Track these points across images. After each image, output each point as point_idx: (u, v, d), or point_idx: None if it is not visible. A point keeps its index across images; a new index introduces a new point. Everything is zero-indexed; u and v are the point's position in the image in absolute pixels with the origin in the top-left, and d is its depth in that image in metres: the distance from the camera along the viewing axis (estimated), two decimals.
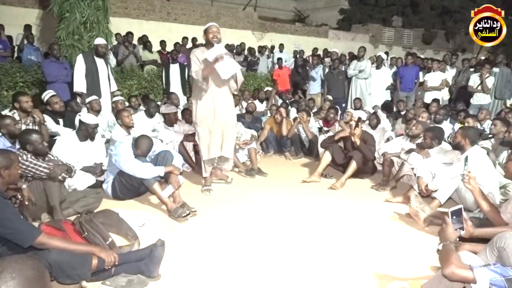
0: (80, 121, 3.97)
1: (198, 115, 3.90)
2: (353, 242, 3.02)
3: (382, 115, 5.52)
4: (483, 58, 9.35)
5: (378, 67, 8.10)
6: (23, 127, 4.12)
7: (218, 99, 3.81)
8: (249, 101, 6.81)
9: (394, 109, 7.03)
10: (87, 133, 3.95)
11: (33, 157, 3.09)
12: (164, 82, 7.23)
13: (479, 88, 7.22)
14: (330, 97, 7.61)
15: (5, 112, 4.20)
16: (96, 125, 4.04)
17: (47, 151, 3.29)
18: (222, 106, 3.82)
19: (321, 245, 2.96)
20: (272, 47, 11.21)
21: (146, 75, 7.76)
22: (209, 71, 3.68)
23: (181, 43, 9.29)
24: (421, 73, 8.12)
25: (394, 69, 8.59)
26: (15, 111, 4.18)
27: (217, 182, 4.33)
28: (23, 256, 1.30)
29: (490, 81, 7.19)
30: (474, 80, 7.34)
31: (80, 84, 5.42)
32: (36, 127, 4.27)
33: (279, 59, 9.40)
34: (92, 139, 4.06)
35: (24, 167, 3.01)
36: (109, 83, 5.72)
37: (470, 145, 3.52)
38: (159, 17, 12.11)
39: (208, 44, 3.75)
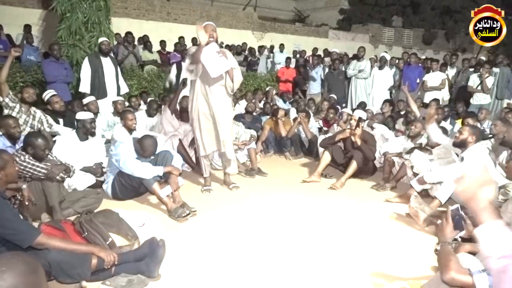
0: (76, 119, 4.01)
1: (193, 113, 3.92)
2: (353, 242, 3.02)
3: (382, 128, 5.46)
4: (483, 58, 9.32)
5: (381, 68, 8.08)
6: (23, 116, 4.25)
7: (212, 98, 3.79)
8: (253, 101, 6.81)
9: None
10: (85, 129, 3.98)
11: (31, 157, 3.09)
12: (175, 80, 7.16)
13: (479, 88, 7.22)
14: (334, 96, 7.58)
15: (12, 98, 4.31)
16: (93, 120, 4.07)
17: (45, 158, 3.28)
18: (216, 106, 3.80)
19: (321, 245, 2.96)
20: (272, 47, 11.21)
21: (146, 75, 7.76)
22: (197, 56, 3.62)
23: (179, 43, 9.29)
24: None
25: (394, 69, 8.57)
26: (18, 101, 4.31)
27: (217, 182, 4.34)
28: (13, 252, 1.30)
29: (490, 81, 7.19)
30: (473, 80, 7.33)
31: (85, 85, 5.53)
32: (36, 122, 4.30)
33: (288, 58, 9.41)
34: (93, 134, 4.08)
35: (22, 167, 3.01)
36: (117, 84, 5.76)
37: (474, 143, 3.50)
38: (159, 17, 12.11)
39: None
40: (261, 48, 10.83)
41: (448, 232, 1.89)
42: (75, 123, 4.09)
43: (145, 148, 3.61)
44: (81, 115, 4.02)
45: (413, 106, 5.62)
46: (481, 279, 1.59)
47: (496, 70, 7.42)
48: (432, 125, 4.08)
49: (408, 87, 7.53)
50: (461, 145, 3.55)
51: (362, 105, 7.08)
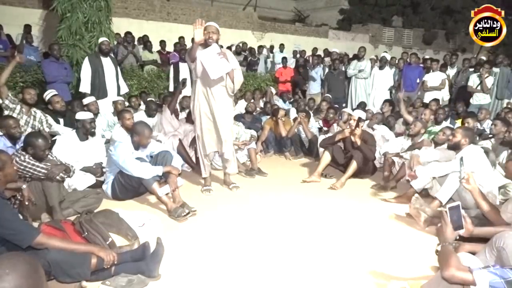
0: (76, 119, 4.01)
1: (195, 113, 3.93)
2: (353, 242, 3.02)
3: (382, 129, 5.45)
4: (484, 58, 9.32)
5: (381, 68, 8.08)
6: (24, 117, 4.23)
7: (214, 98, 3.80)
8: (252, 100, 6.81)
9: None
10: (85, 129, 3.98)
11: (31, 157, 3.09)
12: (173, 81, 7.16)
13: (479, 88, 7.22)
14: (329, 96, 7.58)
15: (12, 99, 4.28)
16: (92, 119, 4.07)
17: (45, 158, 3.28)
18: (217, 106, 3.81)
19: (321, 245, 2.96)
20: (271, 47, 11.20)
21: (146, 75, 7.76)
22: (192, 54, 3.67)
23: (179, 43, 9.30)
24: None
25: (394, 69, 8.58)
26: (19, 102, 4.29)
27: (217, 182, 4.34)
28: (15, 252, 1.31)
29: (489, 81, 7.18)
30: (473, 80, 7.34)
31: (85, 85, 5.54)
32: (36, 123, 4.29)
33: (284, 58, 9.39)
34: (93, 134, 4.09)
35: (22, 167, 3.01)
36: (118, 84, 5.78)
37: (467, 144, 3.52)
38: (159, 17, 12.11)
39: (204, 44, 3.75)
40: (260, 48, 10.81)
41: (448, 233, 1.90)
42: (75, 123, 4.09)
43: (139, 132, 3.59)
44: (81, 115, 4.02)
45: (405, 114, 5.61)
46: (481, 276, 1.60)
47: (496, 70, 7.41)
48: (421, 154, 4.08)
49: (405, 87, 7.57)
50: (455, 147, 3.58)
51: (362, 106, 7.09)
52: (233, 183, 4.24)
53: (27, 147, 3.12)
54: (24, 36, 8.03)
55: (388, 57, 8.33)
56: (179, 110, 6.27)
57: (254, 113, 6.37)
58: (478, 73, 7.29)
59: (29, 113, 4.32)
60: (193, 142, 4.77)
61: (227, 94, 3.86)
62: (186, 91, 5.89)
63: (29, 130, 4.18)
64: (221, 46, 3.93)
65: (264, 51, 10.77)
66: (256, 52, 10.45)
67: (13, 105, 4.24)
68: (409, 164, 4.12)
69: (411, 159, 3.91)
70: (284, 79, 8.97)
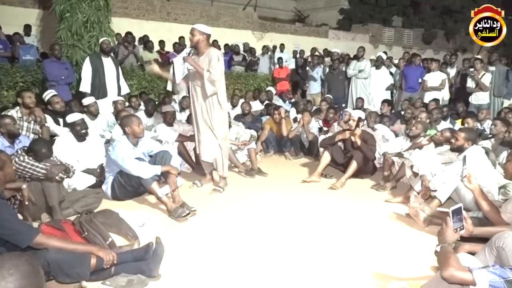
0: (68, 123, 3.92)
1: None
2: (353, 242, 3.02)
3: (383, 128, 5.43)
4: (478, 57, 9.33)
5: (377, 67, 8.09)
6: (25, 124, 4.15)
7: (197, 101, 3.94)
8: (249, 101, 6.80)
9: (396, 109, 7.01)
10: (76, 132, 3.86)
11: (30, 157, 3.09)
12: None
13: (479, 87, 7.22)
14: (330, 96, 7.57)
15: (11, 112, 4.19)
16: (82, 120, 3.93)
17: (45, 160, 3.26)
18: (200, 108, 3.94)
19: (321, 245, 2.96)
20: (274, 47, 11.19)
21: (146, 75, 7.77)
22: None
23: (178, 43, 9.30)
24: None
25: (393, 69, 8.58)
26: (18, 107, 4.22)
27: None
28: (16, 253, 1.34)
29: (487, 79, 7.15)
30: (471, 81, 7.34)
31: (85, 85, 5.54)
32: (37, 127, 4.28)
33: (279, 58, 9.39)
34: (86, 135, 3.95)
35: (22, 167, 3.00)
36: (118, 84, 5.78)
37: (470, 145, 3.53)
38: (159, 17, 12.11)
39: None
40: (264, 48, 10.76)
41: (449, 235, 1.90)
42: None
43: (128, 124, 3.59)
44: (70, 118, 3.90)
45: None
46: (481, 275, 1.60)
47: (492, 68, 7.41)
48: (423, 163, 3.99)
49: (407, 88, 7.55)
50: (458, 150, 3.60)
51: (360, 101, 7.07)
52: (218, 187, 4.10)
53: (29, 152, 3.12)
54: (16, 38, 7.96)
55: (384, 56, 8.33)
56: (179, 110, 6.29)
57: (253, 113, 6.36)
58: (471, 74, 7.28)
59: (29, 119, 4.20)
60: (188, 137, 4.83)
61: (207, 95, 3.88)
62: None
63: (31, 136, 4.10)
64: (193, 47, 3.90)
65: (269, 52, 10.73)
66: (261, 52, 10.40)
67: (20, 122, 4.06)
68: (409, 166, 4.12)
69: (422, 180, 3.84)
70: (279, 77, 8.96)
